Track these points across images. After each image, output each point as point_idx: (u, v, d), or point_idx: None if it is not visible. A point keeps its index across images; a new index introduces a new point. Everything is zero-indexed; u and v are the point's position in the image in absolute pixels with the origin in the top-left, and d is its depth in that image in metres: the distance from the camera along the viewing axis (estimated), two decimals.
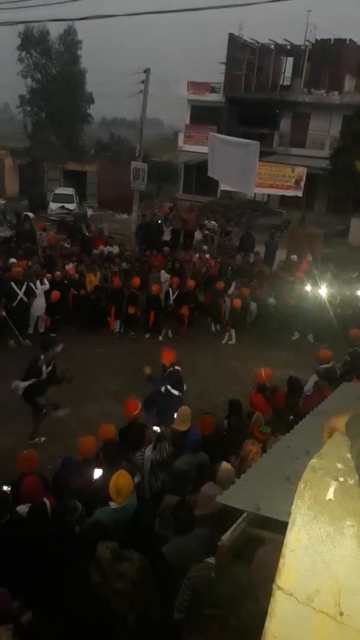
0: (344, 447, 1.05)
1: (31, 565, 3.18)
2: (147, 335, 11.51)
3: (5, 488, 4.49)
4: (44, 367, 7.40)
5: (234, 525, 2.95)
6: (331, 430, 1.14)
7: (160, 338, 11.47)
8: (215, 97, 28.61)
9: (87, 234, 15.72)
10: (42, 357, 7.42)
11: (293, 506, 1.02)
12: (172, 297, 11.71)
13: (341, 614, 0.98)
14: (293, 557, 1.02)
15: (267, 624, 1.07)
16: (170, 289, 11.80)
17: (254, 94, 27.60)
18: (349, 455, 1.02)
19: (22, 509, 4.12)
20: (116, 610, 2.33)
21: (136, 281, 11.52)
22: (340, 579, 0.97)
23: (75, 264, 12.37)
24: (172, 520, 3.71)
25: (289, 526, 1.03)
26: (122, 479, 3.90)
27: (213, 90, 28.94)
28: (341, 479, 0.99)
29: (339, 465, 1.02)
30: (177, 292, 11.72)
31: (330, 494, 0.98)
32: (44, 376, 7.34)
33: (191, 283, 11.86)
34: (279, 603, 1.04)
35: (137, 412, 5.80)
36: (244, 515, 2.98)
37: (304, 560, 1.01)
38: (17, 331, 10.24)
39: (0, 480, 4.83)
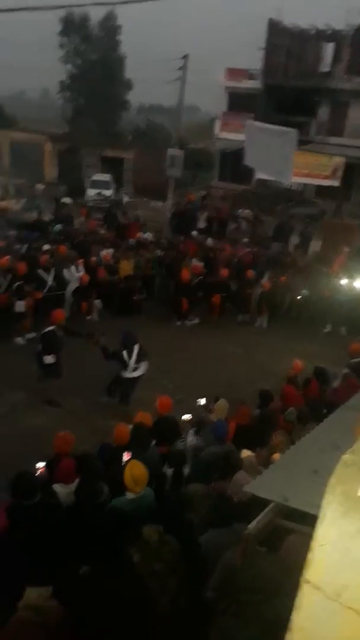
0: None
1: (61, 547, 3.28)
2: (179, 323, 11.54)
3: (40, 465, 4.63)
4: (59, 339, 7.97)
5: (261, 515, 2.97)
6: None
7: (189, 323, 11.54)
8: (253, 84, 28.14)
9: (122, 221, 15.81)
10: (55, 328, 7.93)
11: (324, 501, 1.02)
12: (195, 281, 11.76)
13: None
14: (322, 552, 1.02)
15: (293, 616, 1.08)
16: (195, 275, 11.82)
17: (292, 81, 26.98)
18: None
19: (58, 488, 4.25)
20: (151, 591, 2.39)
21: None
22: None
23: (111, 250, 12.50)
24: (211, 512, 3.71)
25: (319, 521, 1.03)
26: (137, 469, 3.94)
27: (251, 77, 28.44)
28: None
29: None
30: (199, 279, 11.75)
31: None
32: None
33: (224, 272, 11.82)
34: (306, 596, 1.05)
35: (169, 409, 5.84)
36: (271, 505, 3.00)
37: (333, 555, 1.01)
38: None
39: (35, 458, 4.98)
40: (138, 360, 7.53)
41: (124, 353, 7.46)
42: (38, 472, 4.56)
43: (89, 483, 4.08)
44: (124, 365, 7.50)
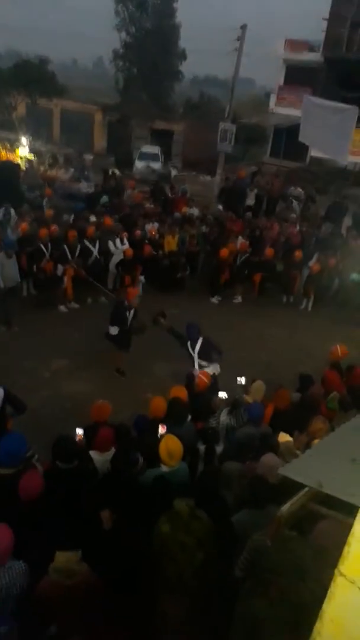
0: None
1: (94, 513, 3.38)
2: (213, 299, 11.50)
3: (79, 432, 4.76)
4: (128, 314, 7.92)
5: (295, 498, 2.96)
6: None
7: (235, 301, 11.42)
8: (313, 57, 26.91)
9: (169, 194, 15.69)
10: (126, 303, 7.93)
11: None
12: (238, 261, 11.62)
13: None
14: (359, 546, 1.00)
15: (325, 606, 1.07)
16: (239, 254, 11.69)
17: (355, 54, 25.68)
18: None
19: (94, 455, 4.38)
20: (177, 563, 2.45)
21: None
22: None
23: (157, 224, 12.47)
24: (247, 493, 3.73)
25: (358, 515, 1.01)
26: (171, 442, 3.98)
27: (311, 49, 27.19)
28: None
29: None
30: (244, 257, 11.60)
31: None
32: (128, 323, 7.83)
33: (270, 252, 11.61)
34: (340, 589, 1.04)
35: (206, 387, 5.84)
36: (305, 489, 2.98)
37: None
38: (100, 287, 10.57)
39: (74, 424, 5.12)
40: (202, 356, 7.00)
41: (189, 344, 7.09)
42: (77, 438, 4.68)
43: (125, 453, 4.17)
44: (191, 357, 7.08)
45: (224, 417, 5.28)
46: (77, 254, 10.21)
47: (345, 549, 1.02)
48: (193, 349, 6.96)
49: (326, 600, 1.07)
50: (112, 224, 11.45)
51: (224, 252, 11.31)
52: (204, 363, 6.86)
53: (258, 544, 2.91)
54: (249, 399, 5.36)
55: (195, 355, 6.90)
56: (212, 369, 6.88)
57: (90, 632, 2.51)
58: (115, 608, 2.52)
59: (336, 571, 1.04)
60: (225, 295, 11.62)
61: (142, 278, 11.30)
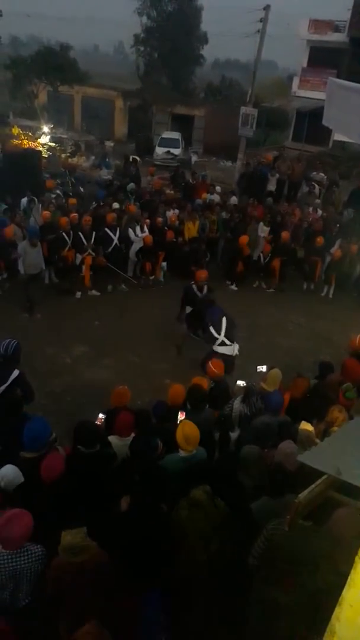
0: None
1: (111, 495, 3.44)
2: (233, 286, 11.47)
3: (100, 416, 4.84)
4: (200, 294, 8.08)
5: (313, 485, 2.97)
6: None
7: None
8: (338, 37, 26.21)
9: (190, 180, 15.61)
10: (194, 286, 8.07)
11: None
12: (263, 262, 11.73)
13: None
14: None
15: (345, 592, 1.08)
16: (262, 255, 11.72)
17: None
18: None
19: (113, 440, 4.45)
20: (192, 547, 2.50)
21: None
22: None
23: (177, 210, 12.43)
24: (267, 481, 3.75)
25: None
26: (188, 428, 4.01)
27: (337, 29, 26.45)
28: None
29: None
30: (268, 256, 11.60)
31: None
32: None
33: (285, 235, 11.47)
34: (359, 575, 1.05)
35: (220, 373, 5.84)
36: (324, 477, 2.99)
37: None
38: (120, 275, 10.63)
39: (95, 409, 5.21)
40: (229, 334, 7.02)
41: (211, 328, 7.07)
42: (98, 422, 4.76)
43: (144, 438, 4.23)
44: (212, 340, 7.08)
45: (237, 405, 5.28)
46: (94, 241, 10.26)
47: None
48: (218, 331, 7.00)
49: (346, 586, 1.09)
50: (129, 211, 11.47)
51: (244, 239, 11.24)
52: (228, 342, 6.97)
53: (273, 532, 2.93)
54: (265, 386, 5.33)
55: (222, 337, 6.97)
56: (234, 349, 7.00)
57: (103, 610, 2.58)
58: (127, 586, 2.58)
59: (357, 558, 1.05)
60: (244, 283, 11.56)
61: (164, 265, 11.31)
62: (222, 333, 6.97)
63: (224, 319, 7.05)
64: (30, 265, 9.19)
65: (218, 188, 14.88)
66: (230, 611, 2.89)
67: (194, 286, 8.17)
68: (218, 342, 6.98)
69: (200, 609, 2.80)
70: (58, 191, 12.34)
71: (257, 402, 5.17)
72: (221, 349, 6.94)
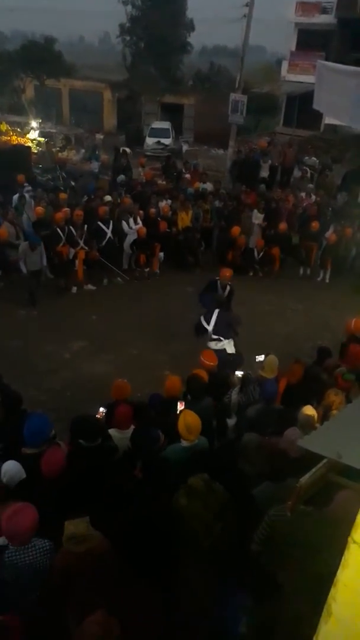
0: None
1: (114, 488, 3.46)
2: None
3: (101, 410, 4.86)
4: (220, 291, 7.80)
5: (314, 469, 2.99)
6: None
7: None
8: (326, 19, 25.94)
9: (182, 170, 15.53)
10: (219, 282, 7.83)
11: None
12: (257, 258, 11.60)
13: None
14: None
15: (339, 573, 1.10)
16: (255, 249, 11.61)
17: None
18: None
19: (113, 433, 4.47)
20: (194, 535, 2.51)
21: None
22: None
23: (170, 201, 12.38)
24: (266, 466, 3.77)
25: None
26: (190, 417, 4.02)
27: (324, 11, 26.16)
28: None
29: None
30: (263, 250, 11.49)
31: None
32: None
33: (283, 226, 11.43)
34: (353, 556, 1.06)
35: (213, 362, 5.82)
36: (324, 461, 3.00)
37: None
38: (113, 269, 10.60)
39: (93, 402, 5.22)
40: (218, 329, 6.74)
41: (202, 318, 6.82)
42: (98, 416, 4.78)
43: (144, 430, 4.24)
44: (203, 333, 6.82)
45: (235, 395, 5.32)
46: (85, 235, 10.21)
47: (358, 517, 1.04)
48: (208, 322, 6.80)
49: (340, 567, 1.10)
50: (124, 204, 11.42)
51: (235, 230, 11.22)
52: (217, 338, 6.72)
53: (275, 518, 2.94)
54: (264, 374, 5.34)
55: (210, 329, 6.75)
56: (227, 346, 6.77)
57: (110, 599, 2.59)
58: (133, 574, 2.59)
59: (350, 539, 1.06)
60: (240, 272, 11.53)
61: (161, 255, 11.27)
62: (211, 325, 6.77)
63: (216, 312, 6.82)
64: (31, 263, 9.25)
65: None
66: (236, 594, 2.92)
67: (219, 282, 7.87)
68: (209, 333, 6.81)
69: (205, 594, 2.83)
70: (30, 187, 12.15)
71: (254, 390, 5.20)
72: (212, 345, 6.80)
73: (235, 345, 7.01)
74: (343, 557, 1.10)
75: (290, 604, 2.45)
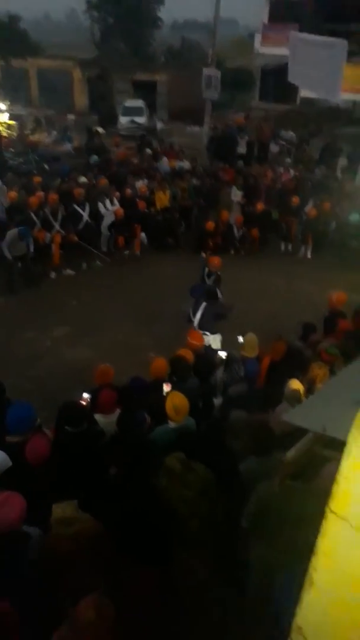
0: None
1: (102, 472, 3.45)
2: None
3: (85, 396, 4.83)
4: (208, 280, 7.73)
5: (299, 444, 3.02)
6: None
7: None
8: None
9: (157, 148, 15.31)
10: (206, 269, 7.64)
11: (349, 435, 1.00)
12: (237, 235, 11.43)
13: None
14: (347, 484, 1.03)
15: (318, 542, 1.11)
16: (235, 227, 11.42)
17: None
18: None
19: (99, 418, 4.45)
20: (180, 515, 2.53)
21: None
22: None
23: (146, 180, 12.21)
24: (251, 441, 3.79)
25: (345, 454, 1.02)
26: (177, 398, 4.02)
27: None
28: None
29: None
30: (242, 229, 11.41)
31: None
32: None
33: (260, 206, 11.35)
34: (331, 525, 1.07)
35: (200, 342, 5.81)
36: (309, 434, 3.02)
37: (358, 488, 1.00)
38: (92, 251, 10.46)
39: (77, 388, 5.19)
40: (203, 324, 6.61)
41: (190, 310, 6.72)
42: (82, 402, 4.75)
43: (130, 413, 4.23)
44: (189, 320, 6.71)
45: (220, 374, 5.35)
46: (63, 218, 10.04)
47: (334, 487, 1.04)
48: (194, 315, 6.72)
49: (319, 536, 1.10)
50: (101, 185, 11.22)
51: (210, 225, 11.11)
52: (203, 333, 6.56)
53: (263, 494, 2.97)
54: (245, 353, 5.36)
55: (196, 323, 6.65)
56: (212, 341, 6.68)
57: (103, 580, 2.60)
58: (124, 555, 2.60)
59: (327, 509, 1.07)
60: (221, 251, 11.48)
61: (143, 236, 11.13)
62: (197, 319, 6.67)
63: (203, 306, 6.70)
64: (17, 249, 9.09)
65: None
66: (231, 573, 2.95)
67: (206, 269, 7.74)
68: (195, 327, 6.66)
69: (200, 574, 2.85)
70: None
71: (239, 369, 5.22)
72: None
73: (218, 326, 6.97)
74: (322, 527, 1.10)
75: (280, 576, 2.48)
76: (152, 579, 2.63)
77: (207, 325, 6.67)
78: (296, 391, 4.51)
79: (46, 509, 2.93)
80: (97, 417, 4.43)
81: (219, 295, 7.38)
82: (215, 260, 7.83)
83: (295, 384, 4.59)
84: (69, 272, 10.22)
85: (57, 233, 9.94)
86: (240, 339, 5.83)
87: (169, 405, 4.03)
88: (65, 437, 4.00)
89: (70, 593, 2.75)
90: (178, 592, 2.64)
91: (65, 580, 2.83)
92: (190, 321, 6.79)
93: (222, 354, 5.69)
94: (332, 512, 1.07)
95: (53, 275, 10.03)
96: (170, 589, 2.65)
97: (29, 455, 3.46)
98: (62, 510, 2.89)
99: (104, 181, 11.30)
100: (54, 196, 10.03)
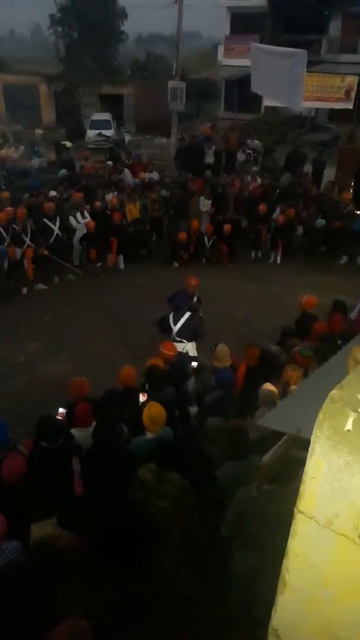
0: None
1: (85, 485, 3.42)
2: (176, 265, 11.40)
3: (61, 410, 4.78)
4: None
5: (275, 447, 3.04)
6: (356, 361, 1.11)
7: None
8: (258, 2, 26.14)
9: (126, 161, 15.34)
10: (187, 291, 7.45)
11: (312, 436, 1.03)
12: (208, 245, 11.49)
13: None
14: (313, 484, 1.04)
15: (289, 543, 1.12)
16: (206, 236, 11.48)
17: None
18: None
19: (75, 432, 4.40)
20: (159, 525, 2.52)
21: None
22: (358, 505, 0.99)
23: (116, 193, 12.22)
24: (227, 446, 3.80)
25: (309, 454, 1.04)
26: (155, 409, 4.02)
27: None
28: None
29: None
30: (213, 239, 11.48)
31: (349, 425, 0.98)
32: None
33: (227, 228, 11.42)
34: (300, 525, 1.09)
35: (173, 352, 5.83)
36: (285, 437, 3.05)
37: (324, 486, 1.03)
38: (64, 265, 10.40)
39: (53, 403, 5.13)
40: (181, 332, 6.55)
41: (171, 316, 6.66)
42: (58, 417, 4.70)
43: (107, 425, 4.20)
44: (167, 332, 6.64)
45: (191, 383, 5.38)
46: (33, 232, 9.95)
47: (301, 487, 1.06)
48: (175, 323, 6.67)
49: (290, 537, 1.12)
50: (75, 198, 11.18)
51: (182, 235, 11.18)
52: (180, 340, 6.59)
53: (242, 499, 2.98)
54: (217, 364, 5.42)
55: (175, 331, 6.63)
56: (189, 349, 6.66)
57: (86, 595, 2.58)
58: (108, 569, 2.59)
59: (295, 509, 1.08)
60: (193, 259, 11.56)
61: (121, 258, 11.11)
62: (177, 327, 6.64)
63: (187, 315, 6.66)
64: None
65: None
66: (213, 579, 2.95)
67: (187, 292, 7.52)
68: (172, 334, 6.65)
69: (185, 582, 2.84)
70: None
71: (210, 378, 5.26)
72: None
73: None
74: (291, 527, 1.12)
75: (263, 584, 2.49)
76: (135, 591, 2.61)
77: (185, 333, 6.67)
78: (270, 392, 4.56)
79: (25, 525, 2.89)
80: (74, 431, 4.39)
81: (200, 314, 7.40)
82: (193, 281, 7.80)
83: (269, 386, 4.64)
84: (41, 286, 10.12)
85: (28, 247, 9.84)
86: (214, 348, 5.88)
87: (145, 416, 4.02)
88: (42, 452, 3.96)
89: (50, 613, 2.71)
90: (161, 602, 2.63)
91: (46, 600, 2.80)
92: (163, 330, 6.77)
93: (194, 364, 5.73)
94: (300, 512, 1.09)
95: (25, 291, 9.91)
96: (154, 599, 2.64)
97: (5, 474, 3.41)
98: (42, 529, 2.85)
99: (79, 195, 11.24)
100: (22, 210, 9.94)
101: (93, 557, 2.84)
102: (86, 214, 10.74)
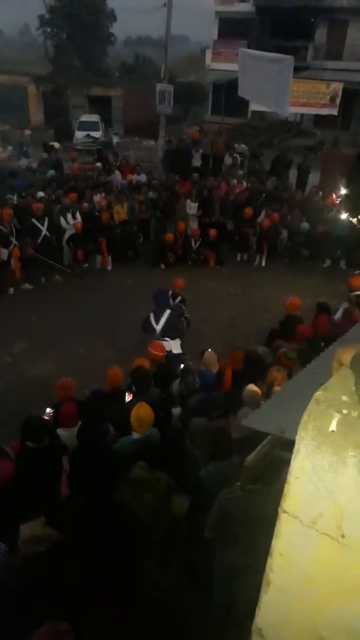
0: (351, 380, 1.06)
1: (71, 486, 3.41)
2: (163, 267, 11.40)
3: (48, 410, 4.76)
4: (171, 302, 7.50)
5: (259, 447, 3.07)
6: (340, 363, 1.13)
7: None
8: (245, 7, 26.36)
9: (113, 162, 15.33)
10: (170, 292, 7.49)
11: (297, 436, 1.05)
12: (194, 247, 11.52)
13: (343, 536, 1.04)
14: (297, 484, 1.07)
15: (273, 542, 1.14)
16: (192, 239, 11.53)
17: (287, 1, 25.27)
18: (354, 388, 1.03)
19: (61, 432, 4.39)
20: (145, 522, 2.54)
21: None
22: (342, 504, 1.02)
23: (104, 194, 12.21)
24: (210, 446, 3.83)
25: (293, 455, 1.06)
26: (143, 410, 4.04)
27: None
28: (345, 411, 1.01)
29: (344, 398, 1.03)
30: (199, 241, 11.52)
31: (333, 426, 1.00)
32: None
33: (213, 233, 11.51)
34: (284, 525, 1.11)
35: (161, 353, 5.85)
36: (269, 437, 3.08)
37: (308, 486, 1.05)
38: (53, 265, 10.35)
39: (40, 404, 5.10)
40: (166, 331, 6.59)
41: (151, 316, 6.70)
42: (45, 417, 4.68)
43: (90, 426, 4.20)
44: (151, 332, 6.64)
45: (176, 385, 5.41)
46: (21, 232, 9.88)
47: (285, 487, 1.08)
48: (157, 322, 6.71)
49: (274, 537, 1.14)
50: (68, 199, 11.16)
51: (169, 237, 11.21)
52: (164, 339, 6.60)
53: (225, 499, 3.00)
54: (203, 368, 5.48)
55: (158, 330, 6.65)
56: (173, 346, 6.68)
57: (76, 595, 2.57)
58: (95, 569, 2.59)
59: (279, 509, 1.10)
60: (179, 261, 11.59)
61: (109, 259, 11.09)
62: (160, 325, 6.68)
63: (167, 314, 6.72)
64: None
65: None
66: (197, 580, 2.96)
67: (171, 291, 7.66)
68: (156, 333, 6.67)
69: (167, 580, 2.85)
70: None
71: (195, 380, 5.29)
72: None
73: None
74: (276, 527, 1.14)
75: (244, 583, 2.51)
76: (120, 592, 2.62)
77: (169, 332, 6.70)
78: (254, 392, 4.60)
79: (13, 526, 2.88)
80: (60, 431, 4.38)
81: (186, 314, 7.43)
82: (180, 282, 7.83)
83: (252, 387, 4.69)
84: (27, 286, 10.06)
85: (15, 247, 9.78)
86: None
87: (133, 417, 4.04)
88: (28, 453, 3.94)
89: (32, 615, 2.70)
90: (146, 602, 2.64)
91: (28, 601, 2.79)
92: (149, 328, 6.78)
93: (182, 366, 5.75)
94: (284, 511, 1.11)
95: (11, 290, 9.85)
96: (138, 599, 2.65)
97: None
98: (30, 529, 2.85)
99: (72, 196, 11.22)
100: (8, 211, 9.88)
101: (79, 556, 2.84)
102: (77, 215, 10.72)
